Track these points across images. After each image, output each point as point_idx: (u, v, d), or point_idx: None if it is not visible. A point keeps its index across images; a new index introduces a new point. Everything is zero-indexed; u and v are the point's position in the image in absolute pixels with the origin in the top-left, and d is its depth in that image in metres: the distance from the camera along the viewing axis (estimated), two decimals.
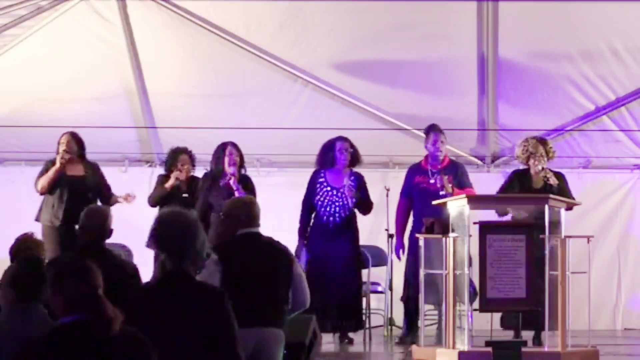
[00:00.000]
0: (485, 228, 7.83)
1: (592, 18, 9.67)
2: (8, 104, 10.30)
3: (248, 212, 6.14)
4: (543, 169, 8.77)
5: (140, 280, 6.15)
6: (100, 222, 6.04)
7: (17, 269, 4.71)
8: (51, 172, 9.11)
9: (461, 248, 7.71)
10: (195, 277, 4.60)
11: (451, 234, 7.76)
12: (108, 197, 9.29)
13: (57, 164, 9.12)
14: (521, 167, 9.04)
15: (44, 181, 9.11)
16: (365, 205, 9.36)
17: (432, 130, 9.31)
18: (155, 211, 9.55)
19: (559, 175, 8.87)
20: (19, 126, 10.14)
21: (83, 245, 6.00)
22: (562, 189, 8.72)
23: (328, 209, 9.28)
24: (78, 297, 3.74)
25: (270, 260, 5.95)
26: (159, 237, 4.66)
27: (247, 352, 5.58)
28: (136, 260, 9.90)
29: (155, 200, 9.50)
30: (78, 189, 9.10)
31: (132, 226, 10.05)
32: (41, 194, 9.16)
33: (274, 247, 6.05)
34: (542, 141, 8.95)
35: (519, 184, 8.76)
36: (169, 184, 9.45)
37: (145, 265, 8.65)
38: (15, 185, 10.86)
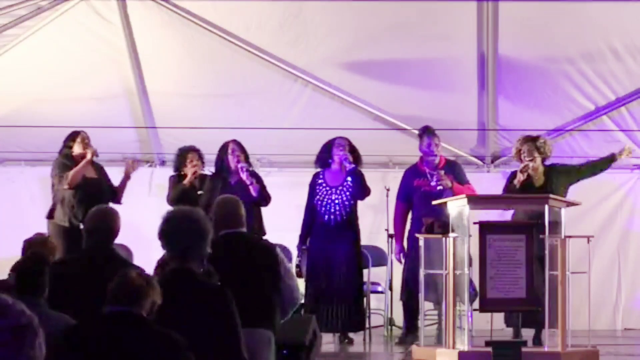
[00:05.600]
0: (485, 228, 7.83)
1: (592, 18, 9.67)
2: (8, 104, 10.29)
3: (225, 212, 6.04)
4: (526, 166, 8.76)
5: None
6: (109, 223, 5.95)
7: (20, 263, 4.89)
8: (83, 164, 9.00)
9: (461, 248, 7.72)
10: (199, 275, 4.59)
11: (451, 234, 7.77)
12: (119, 196, 9.25)
13: (89, 156, 9.04)
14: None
15: (75, 173, 8.96)
16: (363, 191, 9.31)
17: (426, 133, 9.28)
18: (164, 212, 9.51)
19: (552, 169, 8.87)
20: (19, 126, 10.13)
21: (90, 246, 5.95)
22: (564, 170, 8.78)
23: (328, 207, 9.28)
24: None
25: (252, 260, 5.84)
26: (165, 235, 4.66)
27: None
28: (136, 261, 9.92)
29: (174, 198, 9.37)
30: (95, 191, 9.03)
31: (132, 226, 10.09)
32: (70, 188, 9.02)
33: (256, 246, 5.94)
34: (529, 139, 8.90)
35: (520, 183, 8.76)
36: (187, 179, 9.37)
37: (146, 265, 8.66)
38: (15, 185, 10.86)
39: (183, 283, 4.49)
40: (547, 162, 8.96)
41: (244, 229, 5.99)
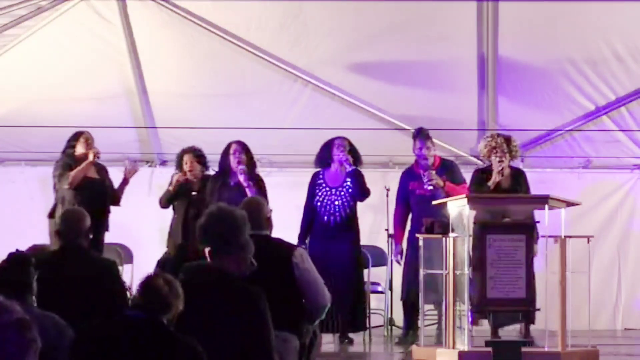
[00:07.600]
0: (485, 228, 7.83)
1: (593, 18, 9.68)
2: (8, 104, 10.30)
3: (247, 214, 6.01)
4: (503, 168, 8.73)
5: (120, 278, 6.16)
6: (77, 223, 6.10)
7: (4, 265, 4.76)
8: (85, 165, 8.98)
9: (461, 248, 7.72)
10: (233, 276, 4.57)
11: (451, 234, 7.77)
12: (118, 199, 9.25)
13: (91, 158, 9.02)
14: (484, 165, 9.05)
15: (77, 173, 8.92)
16: (362, 192, 9.30)
17: (419, 136, 9.23)
18: (163, 212, 9.51)
19: (519, 173, 8.86)
20: (19, 126, 10.14)
21: (62, 246, 6.06)
22: (525, 185, 8.74)
23: (328, 208, 9.27)
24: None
25: (269, 263, 5.80)
26: (203, 231, 4.68)
27: None
28: (136, 261, 9.93)
29: (163, 202, 9.42)
30: (96, 191, 9.02)
31: (132, 226, 10.12)
32: (71, 187, 9.00)
33: (273, 249, 5.88)
34: (506, 138, 8.87)
35: (484, 182, 8.71)
36: (172, 185, 9.38)
37: (146, 265, 8.66)
38: (16, 185, 10.86)
39: (216, 282, 4.47)
40: (515, 166, 8.96)
41: (266, 232, 5.96)
